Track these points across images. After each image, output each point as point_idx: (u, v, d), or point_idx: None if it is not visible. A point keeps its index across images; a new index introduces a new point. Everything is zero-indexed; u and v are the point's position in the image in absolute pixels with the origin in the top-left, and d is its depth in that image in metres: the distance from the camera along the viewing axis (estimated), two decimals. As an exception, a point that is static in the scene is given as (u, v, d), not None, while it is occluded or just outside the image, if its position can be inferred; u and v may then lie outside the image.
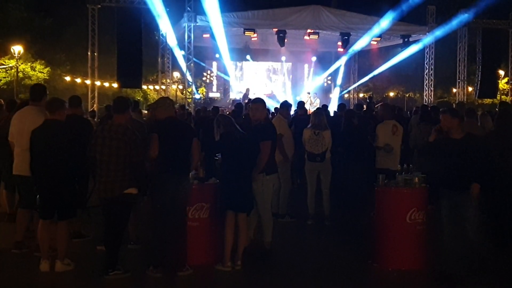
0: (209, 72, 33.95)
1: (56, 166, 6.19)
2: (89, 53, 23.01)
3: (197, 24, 22.03)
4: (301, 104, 12.79)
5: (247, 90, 26.59)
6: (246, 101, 18.54)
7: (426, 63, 26.08)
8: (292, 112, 11.54)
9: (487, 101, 31.61)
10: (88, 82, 25.09)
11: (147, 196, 6.63)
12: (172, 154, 6.17)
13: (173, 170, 6.18)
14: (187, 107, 20.84)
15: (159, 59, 24.16)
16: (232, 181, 6.48)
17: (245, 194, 6.57)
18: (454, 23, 24.11)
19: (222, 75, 31.52)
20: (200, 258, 6.58)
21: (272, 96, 26.40)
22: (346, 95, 32.45)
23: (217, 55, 27.97)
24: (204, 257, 6.63)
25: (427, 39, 24.48)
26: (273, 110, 14.76)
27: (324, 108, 13.83)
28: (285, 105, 9.71)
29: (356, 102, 28.59)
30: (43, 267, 6.30)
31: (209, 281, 6.36)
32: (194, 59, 23.44)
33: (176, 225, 6.22)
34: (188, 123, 8.21)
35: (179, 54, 23.80)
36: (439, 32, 23.97)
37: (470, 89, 31.42)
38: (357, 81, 30.98)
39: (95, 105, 22.36)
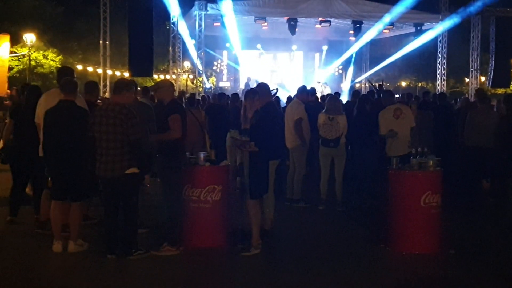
0: (219, 61, 33.83)
1: (68, 147, 6.22)
2: (101, 42, 23.09)
3: (208, 12, 21.96)
4: (312, 91, 12.72)
5: (248, 78, 26.22)
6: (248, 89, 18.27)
7: (439, 52, 25.83)
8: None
9: (500, 90, 31.28)
10: (100, 71, 25.15)
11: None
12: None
13: (159, 152, 6.46)
14: (197, 97, 20.77)
15: (170, 48, 24.10)
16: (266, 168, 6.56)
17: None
18: (467, 11, 23.84)
19: (233, 64, 31.38)
20: (212, 240, 6.58)
21: (281, 85, 26.18)
22: (357, 85, 32.18)
23: (227, 44, 27.81)
24: (216, 239, 6.63)
25: (440, 28, 24.21)
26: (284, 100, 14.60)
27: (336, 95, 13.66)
28: (303, 90, 9.68)
29: (368, 90, 28.34)
30: (55, 248, 6.32)
31: (225, 262, 6.36)
32: (205, 48, 23.36)
33: (171, 206, 6.43)
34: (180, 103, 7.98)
35: (190, 43, 23.73)
36: (452, 21, 23.70)
37: (483, 78, 31.10)
38: (369, 70, 30.70)
39: (106, 94, 22.38)
